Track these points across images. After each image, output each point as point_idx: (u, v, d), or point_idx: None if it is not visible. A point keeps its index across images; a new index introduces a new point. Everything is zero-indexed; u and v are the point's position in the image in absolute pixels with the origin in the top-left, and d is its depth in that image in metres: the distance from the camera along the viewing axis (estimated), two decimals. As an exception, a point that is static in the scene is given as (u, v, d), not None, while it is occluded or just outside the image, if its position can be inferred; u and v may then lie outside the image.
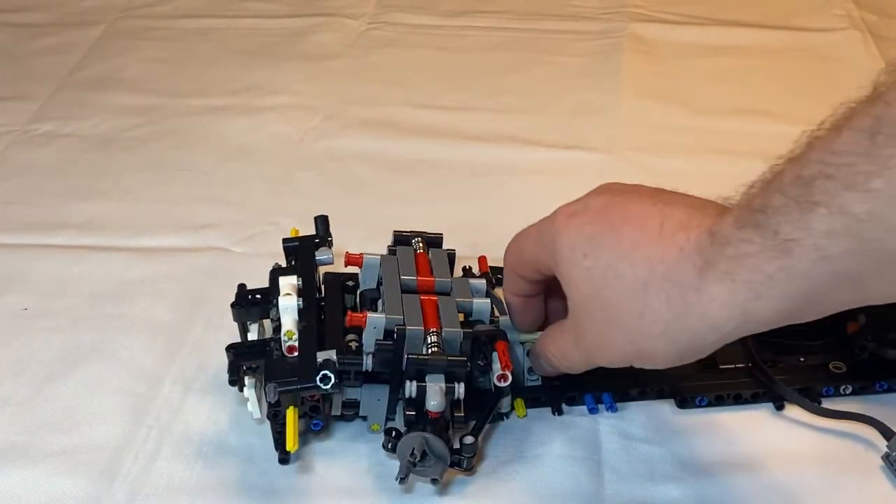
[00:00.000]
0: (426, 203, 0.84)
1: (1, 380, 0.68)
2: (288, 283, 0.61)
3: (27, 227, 0.83)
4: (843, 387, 0.64)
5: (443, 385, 0.57)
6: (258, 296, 0.64)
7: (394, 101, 0.99)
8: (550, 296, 0.63)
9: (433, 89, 1.01)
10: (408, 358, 0.57)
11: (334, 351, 0.57)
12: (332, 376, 0.56)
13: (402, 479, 0.57)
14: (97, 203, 0.86)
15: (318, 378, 0.56)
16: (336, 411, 0.61)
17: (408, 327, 0.58)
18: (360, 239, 0.71)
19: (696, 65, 1.03)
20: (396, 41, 1.10)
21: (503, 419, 0.63)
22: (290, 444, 0.56)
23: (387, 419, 0.61)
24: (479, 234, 0.76)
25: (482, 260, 0.69)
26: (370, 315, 0.59)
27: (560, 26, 1.11)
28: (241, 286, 0.65)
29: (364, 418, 0.62)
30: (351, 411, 0.61)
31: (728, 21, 1.11)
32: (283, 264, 0.65)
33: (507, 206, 0.82)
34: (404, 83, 1.02)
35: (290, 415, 0.57)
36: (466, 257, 0.69)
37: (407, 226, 0.69)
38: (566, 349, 0.59)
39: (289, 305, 0.60)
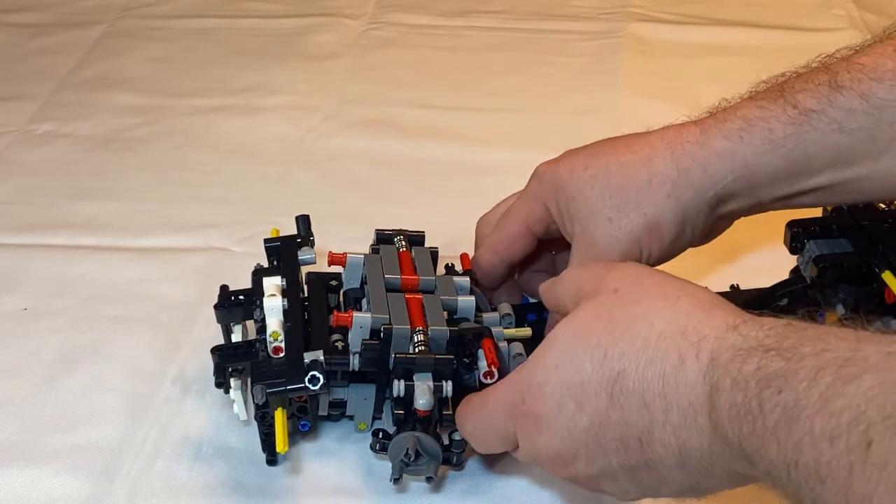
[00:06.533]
0: (426, 203, 0.84)
1: (1, 380, 0.68)
2: (272, 283, 0.61)
3: (27, 227, 0.83)
4: None
5: (431, 383, 0.57)
6: (241, 297, 0.63)
7: (394, 101, 0.99)
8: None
9: (433, 89, 1.01)
10: (395, 357, 0.58)
11: (321, 351, 0.57)
12: (321, 377, 0.56)
13: (397, 479, 0.57)
14: (97, 203, 0.86)
15: (306, 379, 0.55)
16: (323, 411, 0.61)
17: (394, 326, 0.58)
18: (358, 238, 0.71)
19: (696, 65, 1.03)
20: (396, 41, 1.10)
21: None
22: (280, 445, 0.55)
23: (374, 418, 0.62)
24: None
25: (464, 257, 0.69)
26: (356, 315, 0.59)
27: (560, 26, 1.11)
28: (224, 287, 0.65)
29: (351, 418, 0.62)
30: (338, 411, 0.61)
31: (728, 21, 1.11)
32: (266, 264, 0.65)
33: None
34: (404, 83, 1.02)
35: (279, 416, 0.56)
36: (453, 257, 0.70)
37: (406, 225, 0.69)
38: (576, 272, 0.60)
39: (274, 306, 0.59)
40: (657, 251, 0.61)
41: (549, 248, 0.70)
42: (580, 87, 1.00)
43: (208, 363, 0.61)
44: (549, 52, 1.07)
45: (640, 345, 0.46)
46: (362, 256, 0.65)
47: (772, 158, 0.58)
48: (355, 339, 0.59)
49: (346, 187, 0.87)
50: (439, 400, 0.57)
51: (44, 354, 0.70)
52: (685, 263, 0.65)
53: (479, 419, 0.54)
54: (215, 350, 0.61)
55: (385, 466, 0.59)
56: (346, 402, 0.61)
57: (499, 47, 1.08)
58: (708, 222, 0.61)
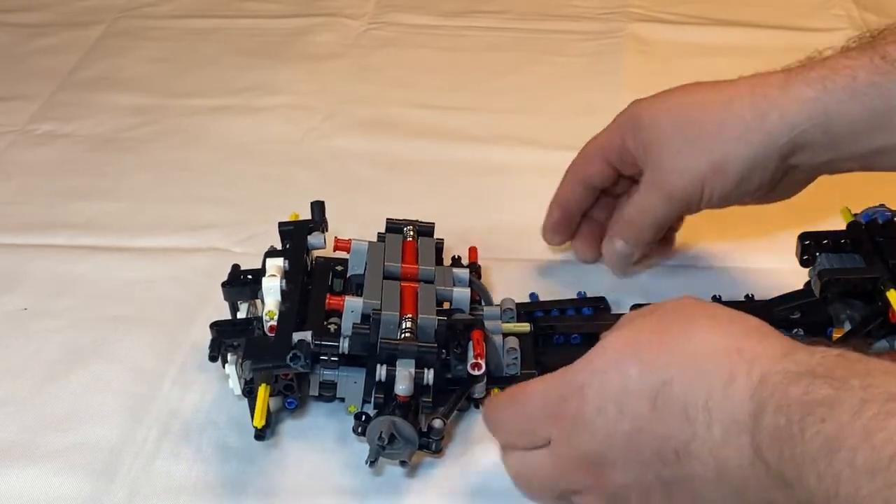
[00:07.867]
0: (426, 203, 0.84)
1: (1, 380, 0.68)
2: (273, 264, 0.62)
3: (27, 227, 0.83)
4: None
5: (412, 370, 0.58)
6: (249, 276, 0.65)
7: (394, 101, 0.99)
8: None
9: (433, 89, 1.01)
10: (380, 342, 0.59)
11: (310, 332, 0.58)
12: (303, 356, 0.56)
13: (372, 462, 0.57)
14: (97, 203, 0.86)
15: (288, 357, 0.56)
16: (314, 391, 0.62)
17: (383, 312, 0.59)
18: (358, 238, 0.70)
19: (696, 65, 1.03)
20: (396, 41, 1.10)
21: (479, 406, 0.63)
22: (258, 419, 0.57)
23: (364, 401, 0.62)
24: (479, 234, 0.76)
25: (472, 250, 0.70)
26: (348, 299, 0.60)
27: (560, 26, 1.11)
28: (235, 266, 0.66)
29: (342, 400, 0.62)
30: (329, 392, 0.62)
31: (727, 21, 1.11)
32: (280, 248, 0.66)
33: (507, 206, 0.82)
34: (404, 83, 1.02)
35: (261, 392, 0.58)
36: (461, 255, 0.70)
37: (407, 225, 0.69)
38: (644, 201, 0.64)
39: (271, 286, 0.61)
40: (719, 192, 0.62)
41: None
42: (580, 87, 1.00)
43: (208, 363, 0.61)
44: (549, 52, 1.07)
45: (690, 357, 0.46)
46: (367, 243, 0.66)
47: (851, 107, 0.57)
48: (347, 322, 0.60)
49: (346, 187, 0.87)
50: (420, 387, 0.58)
51: (44, 354, 0.70)
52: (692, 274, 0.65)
53: (514, 409, 0.53)
54: (214, 325, 0.62)
55: (384, 465, 0.59)
56: (336, 383, 0.61)
57: (499, 47, 1.08)
58: (778, 172, 0.61)
